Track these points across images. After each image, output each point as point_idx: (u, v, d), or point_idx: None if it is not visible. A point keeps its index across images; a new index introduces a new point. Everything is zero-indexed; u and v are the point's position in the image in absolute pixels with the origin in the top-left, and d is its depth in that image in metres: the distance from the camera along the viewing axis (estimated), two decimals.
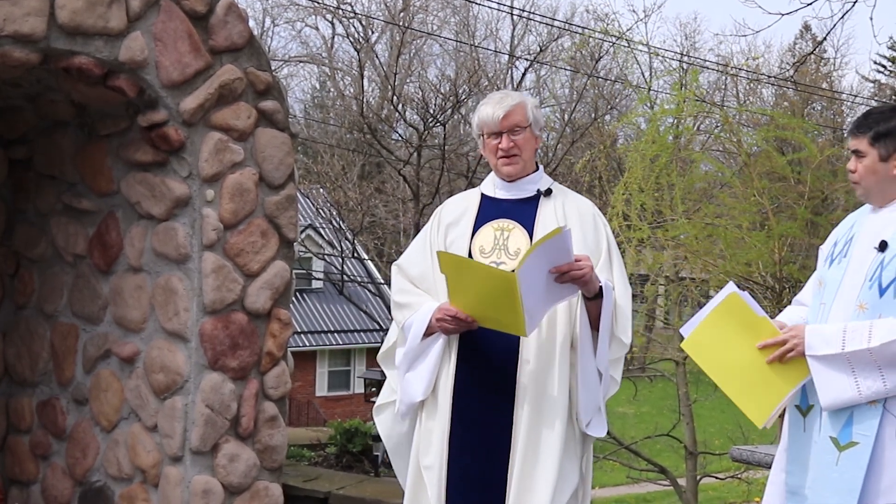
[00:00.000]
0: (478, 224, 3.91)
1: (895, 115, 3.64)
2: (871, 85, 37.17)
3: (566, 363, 3.75)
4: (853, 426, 3.46)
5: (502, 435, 3.73)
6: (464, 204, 4.02)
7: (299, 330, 29.37)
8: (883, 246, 3.52)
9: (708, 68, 25.30)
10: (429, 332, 3.81)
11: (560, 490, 3.70)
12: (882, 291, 3.47)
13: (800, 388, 3.58)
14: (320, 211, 25.12)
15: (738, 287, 3.67)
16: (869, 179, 3.61)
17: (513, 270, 3.57)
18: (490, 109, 3.85)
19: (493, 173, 4.03)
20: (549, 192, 3.91)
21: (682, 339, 3.76)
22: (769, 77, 27.07)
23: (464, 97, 22.99)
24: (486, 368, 3.77)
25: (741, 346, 3.56)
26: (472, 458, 3.75)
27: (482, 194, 3.99)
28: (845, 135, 3.78)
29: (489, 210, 3.92)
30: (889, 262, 3.48)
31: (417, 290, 3.93)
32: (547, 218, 3.85)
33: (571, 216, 3.87)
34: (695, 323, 3.65)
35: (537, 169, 3.97)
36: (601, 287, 3.69)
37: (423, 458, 3.82)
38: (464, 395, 3.78)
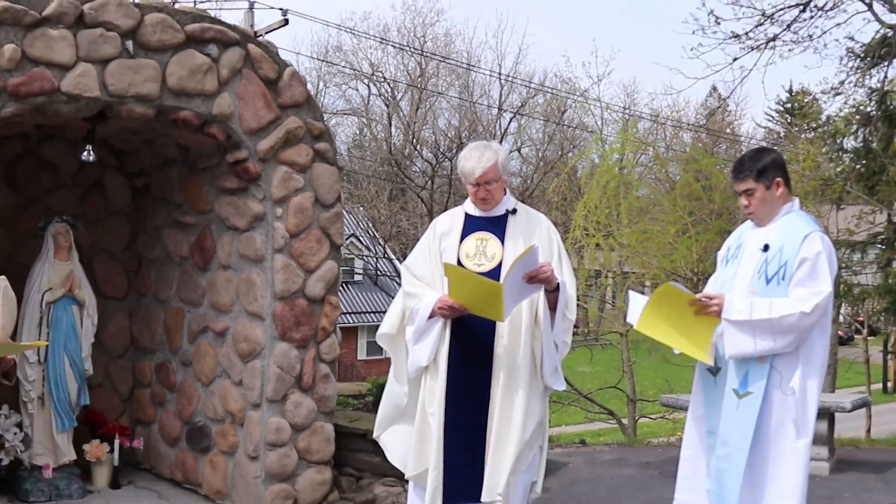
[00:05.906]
0: (464, 235, 3.88)
1: (762, 153, 3.56)
2: (763, 130, 37.02)
3: (530, 337, 3.73)
4: (749, 380, 3.45)
5: (485, 390, 3.71)
6: (453, 219, 3.97)
7: (345, 311, 29.28)
8: (766, 248, 3.51)
9: (644, 118, 25.20)
10: (430, 316, 3.78)
11: (528, 422, 3.70)
12: (768, 281, 3.45)
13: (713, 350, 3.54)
14: (359, 223, 25.10)
15: (668, 279, 3.63)
16: (762, 208, 3.52)
17: (497, 278, 3.57)
18: (470, 166, 3.77)
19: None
20: (514, 210, 3.89)
21: (626, 322, 3.66)
22: (688, 125, 26.99)
23: (465, 140, 22.91)
24: (472, 342, 3.76)
25: (680, 315, 3.50)
26: (463, 406, 3.72)
27: (465, 213, 3.94)
28: (731, 178, 3.54)
29: (471, 225, 3.88)
30: (772, 259, 3.47)
31: (422, 283, 3.90)
32: (514, 231, 3.82)
33: (531, 229, 3.85)
34: (638, 308, 3.60)
35: (505, 193, 3.94)
36: (558, 283, 3.70)
37: (428, 407, 3.79)
38: (456, 362, 3.75)
